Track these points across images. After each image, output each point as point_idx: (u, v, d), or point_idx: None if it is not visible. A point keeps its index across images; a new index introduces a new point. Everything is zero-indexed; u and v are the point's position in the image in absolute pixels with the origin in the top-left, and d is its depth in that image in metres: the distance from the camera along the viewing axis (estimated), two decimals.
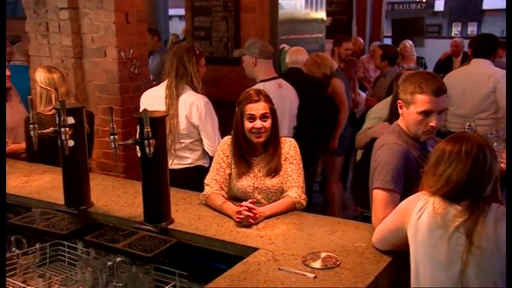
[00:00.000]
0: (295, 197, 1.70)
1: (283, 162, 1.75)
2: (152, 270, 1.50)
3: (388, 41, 6.47)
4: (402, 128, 1.58)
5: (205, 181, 1.77)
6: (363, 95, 4.19)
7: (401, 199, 1.40)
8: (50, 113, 2.22)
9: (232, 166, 1.78)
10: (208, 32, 3.71)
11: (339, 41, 3.91)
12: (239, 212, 1.58)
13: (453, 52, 5.35)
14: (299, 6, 3.81)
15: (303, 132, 2.59)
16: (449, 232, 1.20)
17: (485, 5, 9.58)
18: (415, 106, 1.50)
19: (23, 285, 1.51)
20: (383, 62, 3.57)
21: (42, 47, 2.91)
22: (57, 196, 1.83)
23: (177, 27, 7.61)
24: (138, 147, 1.55)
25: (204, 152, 2.21)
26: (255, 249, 1.43)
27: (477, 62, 2.93)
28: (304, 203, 1.71)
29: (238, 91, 1.92)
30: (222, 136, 1.96)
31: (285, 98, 2.49)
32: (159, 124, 1.56)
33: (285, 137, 1.84)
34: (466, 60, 4.37)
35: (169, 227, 1.60)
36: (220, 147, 1.81)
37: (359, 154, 2.44)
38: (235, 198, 1.77)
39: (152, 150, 1.50)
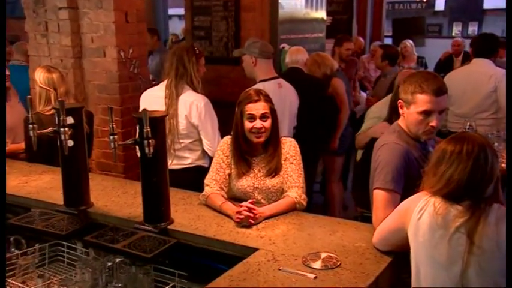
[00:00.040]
0: (295, 197, 1.69)
1: (283, 162, 1.74)
2: (152, 270, 1.50)
3: (388, 41, 6.47)
4: (403, 128, 1.58)
5: (205, 181, 1.77)
6: (364, 95, 4.19)
7: (402, 199, 1.40)
8: (49, 113, 2.21)
9: (232, 166, 1.77)
10: (208, 32, 3.71)
11: (340, 41, 3.90)
12: (239, 212, 1.57)
13: (454, 52, 5.34)
14: (299, 6, 3.81)
15: (303, 132, 2.58)
16: (450, 232, 1.20)
17: (486, 5, 9.58)
18: (415, 106, 1.50)
19: (22, 285, 1.51)
20: (383, 61, 3.57)
21: (41, 47, 2.91)
22: (57, 196, 1.83)
23: (177, 27, 7.59)
24: (137, 147, 1.55)
25: (204, 152, 2.21)
26: (255, 249, 1.43)
27: (478, 61, 2.92)
28: (305, 203, 1.71)
29: (238, 91, 1.92)
30: (222, 136, 1.95)
31: (285, 97, 2.48)
32: (158, 124, 1.55)
33: (285, 137, 1.84)
34: (466, 59, 4.37)
35: (169, 227, 1.60)
36: (220, 147, 1.81)
37: (359, 154, 2.44)
38: (235, 198, 1.76)
39: (152, 150, 1.49)
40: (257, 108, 1.71)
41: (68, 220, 1.66)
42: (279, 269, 1.31)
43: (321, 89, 2.99)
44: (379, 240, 1.41)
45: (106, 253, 1.52)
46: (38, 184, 2.02)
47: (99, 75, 2.82)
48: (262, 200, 1.75)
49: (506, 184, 1.42)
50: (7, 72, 2.59)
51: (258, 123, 1.71)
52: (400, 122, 1.60)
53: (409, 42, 5.08)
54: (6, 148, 2.37)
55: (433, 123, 1.50)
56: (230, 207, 1.64)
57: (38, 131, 1.59)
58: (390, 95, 2.23)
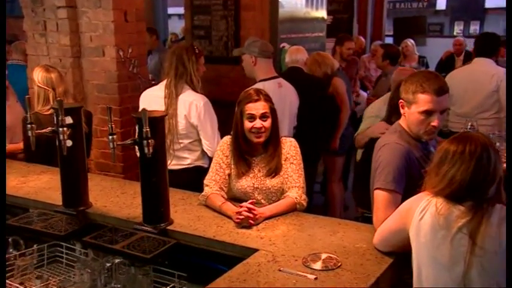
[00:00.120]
0: (296, 198, 1.68)
1: (283, 162, 1.74)
2: (151, 271, 1.49)
3: (389, 40, 6.45)
4: (404, 128, 1.57)
5: (205, 181, 1.76)
6: (364, 94, 4.18)
7: (403, 200, 1.39)
8: (48, 112, 2.21)
9: (232, 166, 1.76)
10: (208, 31, 3.70)
11: (341, 40, 3.88)
12: (239, 213, 1.57)
13: (456, 51, 5.33)
14: (299, 5, 3.79)
15: (303, 132, 2.57)
16: (452, 233, 1.19)
17: (488, 4, 9.55)
18: (416, 106, 1.49)
19: (20, 286, 1.50)
20: (384, 61, 3.55)
21: (39, 46, 2.90)
22: (55, 197, 1.82)
23: (176, 26, 7.57)
24: (137, 147, 1.54)
25: (203, 153, 2.20)
26: (255, 250, 1.42)
27: (479, 61, 2.91)
28: (305, 204, 1.70)
29: (238, 90, 1.91)
30: (222, 136, 1.94)
31: (285, 97, 2.47)
32: (158, 124, 1.55)
33: (285, 137, 1.83)
34: (468, 59, 4.35)
35: (169, 227, 1.59)
36: (220, 147, 1.80)
37: (359, 154, 2.43)
38: (235, 198, 1.76)
39: (151, 150, 1.49)
40: (257, 107, 1.70)
41: (66, 221, 1.66)
42: (279, 270, 1.31)
43: (321, 88, 2.98)
44: (380, 241, 1.40)
45: (105, 254, 1.52)
46: (37, 184, 2.01)
47: (98, 74, 2.81)
48: (262, 201, 1.75)
49: (507, 184, 1.41)
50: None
51: (258, 123, 1.70)
52: (401, 121, 1.59)
53: (410, 42, 5.06)
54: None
55: (435, 123, 1.49)
56: (230, 207, 1.64)
57: (37, 131, 1.58)
58: (388, 94, 2.22)
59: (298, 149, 1.76)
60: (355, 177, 2.81)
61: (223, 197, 1.72)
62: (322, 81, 3.03)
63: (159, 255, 1.43)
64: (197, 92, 2.19)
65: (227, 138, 1.80)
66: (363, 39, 5.48)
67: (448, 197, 1.22)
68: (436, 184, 1.24)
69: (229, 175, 1.76)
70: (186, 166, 2.19)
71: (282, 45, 3.61)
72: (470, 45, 4.50)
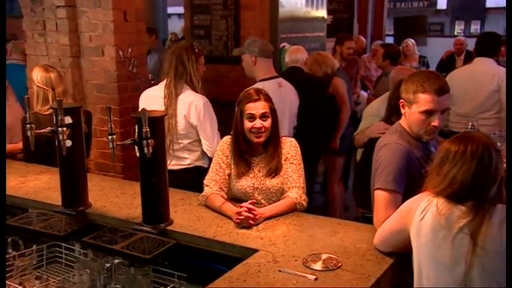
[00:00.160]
0: (296, 198, 1.68)
1: (283, 162, 1.73)
2: (151, 272, 1.49)
3: (390, 40, 6.45)
4: (404, 128, 1.56)
5: (205, 181, 1.76)
6: (365, 94, 4.17)
7: (404, 200, 1.38)
8: (47, 112, 2.20)
9: (232, 166, 1.76)
10: (208, 31, 3.69)
11: (342, 40, 3.88)
12: (239, 213, 1.56)
13: (456, 50, 5.32)
14: (299, 5, 3.79)
15: (303, 132, 2.57)
16: (453, 233, 1.19)
17: (489, 3, 9.54)
18: (417, 105, 1.49)
19: (19, 287, 1.50)
20: (385, 61, 3.54)
21: (39, 46, 2.89)
22: (55, 197, 1.82)
23: (176, 26, 7.57)
24: (136, 147, 1.53)
25: (203, 153, 2.20)
26: (255, 250, 1.42)
27: (480, 60, 2.90)
28: (305, 204, 1.70)
29: (237, 90, 1.90)
30: (222, 136, 1.94)
31: (285, 97, 2.47)
32: (157, 124, 1.54)
33: (285, 136, 1.82)
34: (469, 58, 4.34)
35: (168, 228, 1.59)
36: (220, 147, 1.79)
37: (358, 154, 2.43)
38: (235, 198, 1.75)
39: (151, 150, 1.48)
40: (257, 107, 1.70)
41: (66, 221, 1.65)
42: (279, 270, 1.30)
43: (322, 88, 2.97)
44: (381, 241, 1.40)
45: (104, 254, 1.51)
46: (36, 184, 2.01)
47: (97, 74, 2.81)
48: (262, 201, 1.74)
49: (507, 184, 1.41)
50: None
51: (258, 123, 1.69)
52: (402, 121, 1.58)
53: (410, 41, 5.05)
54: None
55: (435, 123, 1.48)
56: (230, 207, 1.63)
57: (36, 131, 1.58)
58: (387, 93, 2.21)
59: (299, 149, 1.76)
60: (355, 177, 2.80)
61: (223, 197, 1.71)
62: (322, 81, 3.03)
63: (158, 255, 1.43)
64: (197, 92, 2.18)
65: (227, 138, 1.80)
66: (363, 39, 5.47)
67: (449, 197, 1.22)
68: (438, 184, 1.23)
69: (229, 175, 1.76)
70: (186, 166, 2.19)
71: (282, 44, 3.60)
72: (471, 45, 4.49)
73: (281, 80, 2.53)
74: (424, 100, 1.47)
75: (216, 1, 3.62)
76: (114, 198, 1.85)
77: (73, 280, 1.54)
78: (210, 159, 1.94)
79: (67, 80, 2.67)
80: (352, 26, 5.63)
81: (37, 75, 2.29)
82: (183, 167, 2.18)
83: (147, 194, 1.59)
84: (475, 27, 9.60)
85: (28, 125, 1.56)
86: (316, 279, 1.26)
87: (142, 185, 1.59)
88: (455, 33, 9.20)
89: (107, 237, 1.52)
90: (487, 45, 2.90)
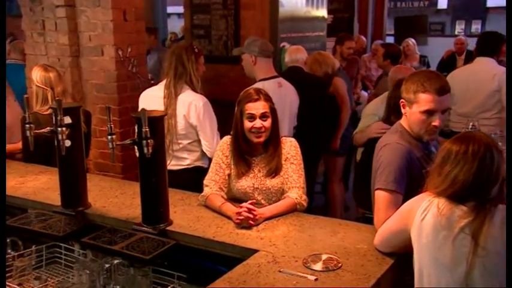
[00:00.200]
0: (296, 198, 1.67)
1: (283, 162, 1.72)
2: (150, 272, 1.49)
3: (390, 40, 6.43)
4: (405, 128, 1.56)
5: (204, 182, 1.75)
6: (365, 94, 4.16)
7: (404, 200, 1.38)
8: (47, 112, 2.19)
9: (232, 166, 1.75)
10: (208, 30, 3.68)
11: (342, 40, 3.87)
12: (239, 213, 1.56)
13: (457, 50, 5.31)
14: (300, 4, 3.78)
15: (303, 132, 2.56)
16: (454, 233, 1.18)
17: (490, 3, 9.53)
18: (418, 105, 1.48)
19: None
20: (385, 60, 3.53)
21: (38, 45, 2.89)
22: (54, 197, 1.81)
23: (176, 25, 7.57)
24: (136, 148, 1.53)
25: (203, 153, 2.19)
26: (255, 251, 1.42)
27: (481, 60, 2.89)
28: (305, 204, 1.69)
29: (237, 90, 1.90)
30: (221, 137, 1.93)
31: (285, 97, 2.46)
32: (157, 124, 1.54)
33: (285, 136, 1.82)
34: (469, 58, 4.33)
35: (168, 228, 1.58)
36: (220, 147, 1.79)
37: (359, 154, 2.42)
38: (235, 199, 1.75)
39: (150, 150, 1.48)
40: (257, 107, 1.69)
41: (65, 221, 1.65)
42: (280, 271, 1.30)
43: (322, 88, 2.97)
44: (381, 241, 1.40)
45: (104, 255, 1.51)
46: (35, 185, 2.00)
47: (97, 74, 2.80)
48: (262, 201, 1.73)
49: (506, 184, 1.41)
50: None
51: (257, 123, 1.69)
52: (402, 121, 1.58)
53: (411, 41, 5.04)
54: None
55: (436, 122, 1.48)
56: (230, 208, 1.63)
57: (35, 131, 1.57)
58: (387, 93, 2.21)
59: (299, 149, 1.75)
60: (355, 177, 2.79)
61: (223, 198, 1.71)
62: (323, 80, 3.02)
63: (158, 256, 1.42)
64: (197, 92, 2.18)
65: (227, 138, 1.79)
66: (363, 39, 5.46)
67: (450, 197, 1.21)
68: (439, 184, 1.23)
69: (229, 175, 1.75)
70: (186, 166, 2.18)
71: (282, 44, 3.59)
72: (471, 44, 4.48)
73: (281, 79, 2.52)
74: (425, 100, 1.46)
75: (215, 0, 3.61)
76: (114, 198, 1.85)
77: (72, 281, 1.54)
78: (210, 160, 1.93)
79: (66, 80, 2.67)
80: (352, 25, 5.63)
81: (36, 75, 2.29)
82: (183, 167, 2.18)
83: (146, 194, 1.58)
84: (476, 26, 9.59)
85: (27, 125, 1.55)
86: (316, 279, 1.26)
87: (142, 185, 1.58)
88: (456, 32, 9.19)
89: (106, 238, 1.51)
90: (488, 45, 2.89)
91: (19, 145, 2.38)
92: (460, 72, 3.09)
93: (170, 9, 8.32)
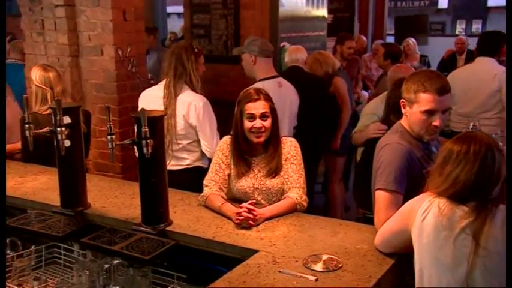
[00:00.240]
0: (296, 198, 1.67)
1: (283, 162, 1.72)
2: (150, 272, 1.48)
3: (391, 39, 6.42)
4: (405, 128, 1.55)
5: (204, 182, 1.75)
6: (366, 94, 4.16)
7: (405, 200, 1.37)
8: (46, 112, 2.19)
9: (232, 166, 1.75)
10: (208, 30, 3.68)
11: (342, 39, 3.86)
12: (239, 214, 1.55)
13: (458, 50, 5.30)
14: (300, 4, 3.77)
15: (304, 132, 2.56)
16: (455, 233, 1.18)
17: (490, 2, 9.52)
18: (418, 105, 1.48)
19: None
20: (386, 60, 3.52)
21: (37, 45, 2.88)
22: (53, 197, 1.81)
23: (176, 25, 7.57)
24: (135, 148, 1.52)
25: (203, 153, 2.19)
26: (255, 251, 1.41)
27: (481, 60, 2.89)
28: (305, 204, 1.69)
29: (237, 90, 1.90)
30: (221, 137, 1.93)
31: (285, 97, 2.46)
32: (157, 124, 1.53)
33: (285, 136, 1.81)
34: (470, 58, 4.32)
35: (168, 228, 1.58)
36: (220, 147, 1.78)
37: (359, 154, 2.42)
38: (235, 199, 1.74)
39: (150, 150, 1.48)
40: (257, 107, 1.69)
41: (64, 221, 1.64)
42: (280, 271, 1.30)
43: (322, 88, 2.96)
44: (382, 242, 1.39)
45: (103, 255, 1.50)
46: (34, 185, 2.00)
47: (96, 74, 2.80)
48: (262, 201, 1.73)
49: (506, 184, 1.40)
50: None
51: (257, 123, 1.68)
52: (403, 121, 1.58)
53: (411, 41, 5.03)
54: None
55: (436, 122, 1.48)
56: (230, 208, 1.62)
57: (34, 131, 1.57)
58: (386, 92, 2.20)
59: (299, 149, 1.75)
60: (355, 177, 2.79)
61: (223, 198, 1.70)
62: (323, 80, 3.02)
63: (158, 256, 1.42)
64: (196, 92, 2.17)
65: (227, 138, 1.79)
66: (364, 38, 5.46)
67: (451, 198, 1.21)
68: (440, 184, 1.22)
69: (229, 175, 1.75)
70: (186, 167, 2.18)
71: (282, 44, 3.59)
72: (472, 44, 4.47)
73: (281, 79, 2.51)
74: (425, 100, 1.46)
75: (215, 0, 3.61)
76: (113, 198, 1.84)
77: (72, 281, 1.53)
78: (210, 160, 1.93)
79: (66, 80, 2.66)
80: (352, 25, 5.63)
81: (36, 74, 2.28)
82: (183, 167, 2.17)
83: (146, 195, 1.58)
84: (477, 26, 9.59)
85: (26, 125, 1.55)
86: (316, 280, 1.25)
87: (142, 186, 1.58)
88: (457, 32, 9.18)
89: (106, 238, 1.51)
90: (489, 45, 2.89)
91: (18, 145, 2.37)
92: (460, 72, 3.08)
93: (170, 9, 8.32)
